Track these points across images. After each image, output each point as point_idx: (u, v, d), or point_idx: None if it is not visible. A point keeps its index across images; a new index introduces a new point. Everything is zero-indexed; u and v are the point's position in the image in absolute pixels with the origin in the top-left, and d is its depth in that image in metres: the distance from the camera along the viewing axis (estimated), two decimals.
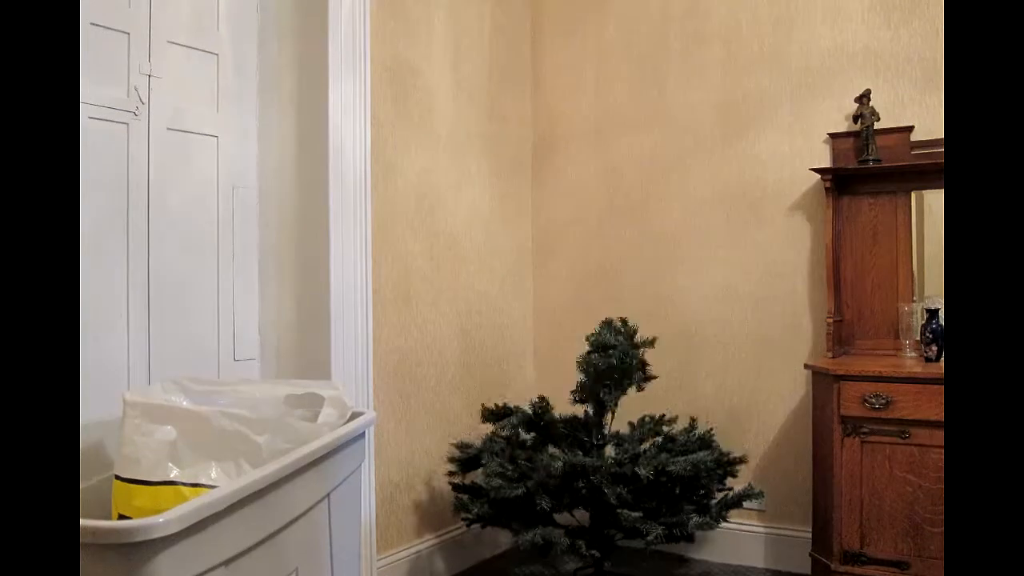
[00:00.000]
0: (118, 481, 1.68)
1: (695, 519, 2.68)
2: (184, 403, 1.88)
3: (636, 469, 2.62)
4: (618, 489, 2.62)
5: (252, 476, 1.48)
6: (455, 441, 3.11)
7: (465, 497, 2.88)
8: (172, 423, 1.69)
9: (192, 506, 1.27)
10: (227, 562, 1.38)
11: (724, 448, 2.89)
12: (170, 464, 1.67)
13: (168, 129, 2.37)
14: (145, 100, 2.31)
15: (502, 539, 3.38)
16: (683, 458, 2.69)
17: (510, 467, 2.77)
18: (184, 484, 1.66)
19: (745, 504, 2.88)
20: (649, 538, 2.59)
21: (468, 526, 2.94)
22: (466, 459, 2.95)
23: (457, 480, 3.00)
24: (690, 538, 2.78)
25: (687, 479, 2.70)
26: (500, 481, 2.72)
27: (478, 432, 3.14)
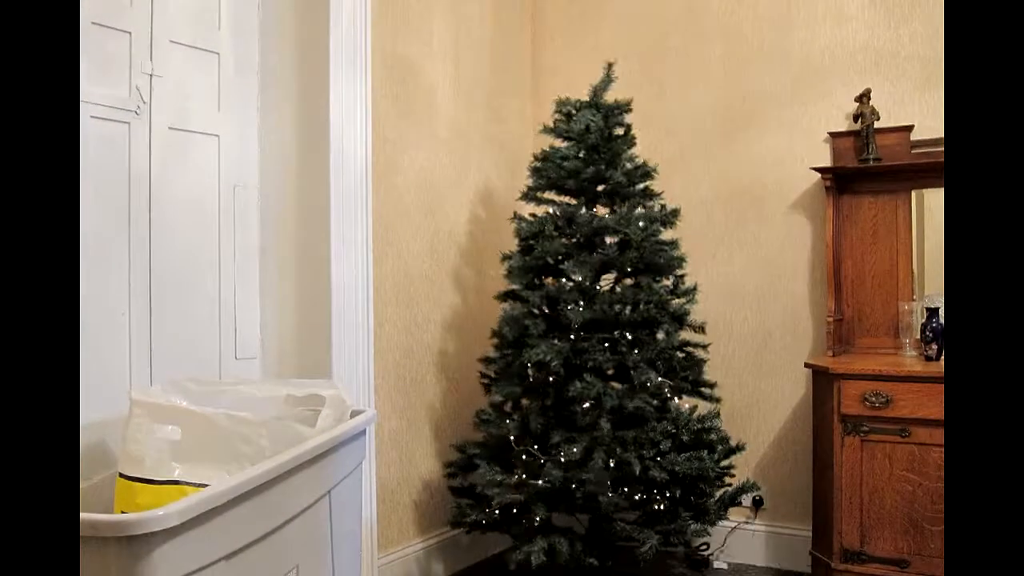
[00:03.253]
0: (121, 479, 1.69)
1: (693, 526, 2.68)
2: (184, 404, 1.88)
3: (650, 473, 2.61)
4: (614, 498, 2.62)
5: (252, 472, 1.48)
6: (455, 440, 3.11)
7: (464, 502, 2.87)
8: (176, 423, 1.70)
9: (192, 500, 1.27)
10: (228, 556, 1.39)
11: (723, 435, 2.91)
12: (174, 464, 1.67)
13: (169, 128, 2.38)
14: (147, 99, 2.31)
15: (502, 538, 3.38)
16: (686, 455, 2.69)
17: (505, 475, 2.77)
18: (187, 484, 1.67)
19: (743, 500, 2.89)
20: (643, 549, 2.59)
21: (467, 532, 2.94)
22: (464, 461, 2.95)
23: (456, 483, 3.00)
24: (687, 544, 2.76)
25: (690, 479, 2.70)
26: (496, 489, 2.73)
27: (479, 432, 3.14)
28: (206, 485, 1.64)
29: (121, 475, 1.69)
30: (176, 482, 1.67)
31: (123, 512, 1.65)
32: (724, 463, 2.88)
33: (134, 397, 1.73)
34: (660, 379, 2.79)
